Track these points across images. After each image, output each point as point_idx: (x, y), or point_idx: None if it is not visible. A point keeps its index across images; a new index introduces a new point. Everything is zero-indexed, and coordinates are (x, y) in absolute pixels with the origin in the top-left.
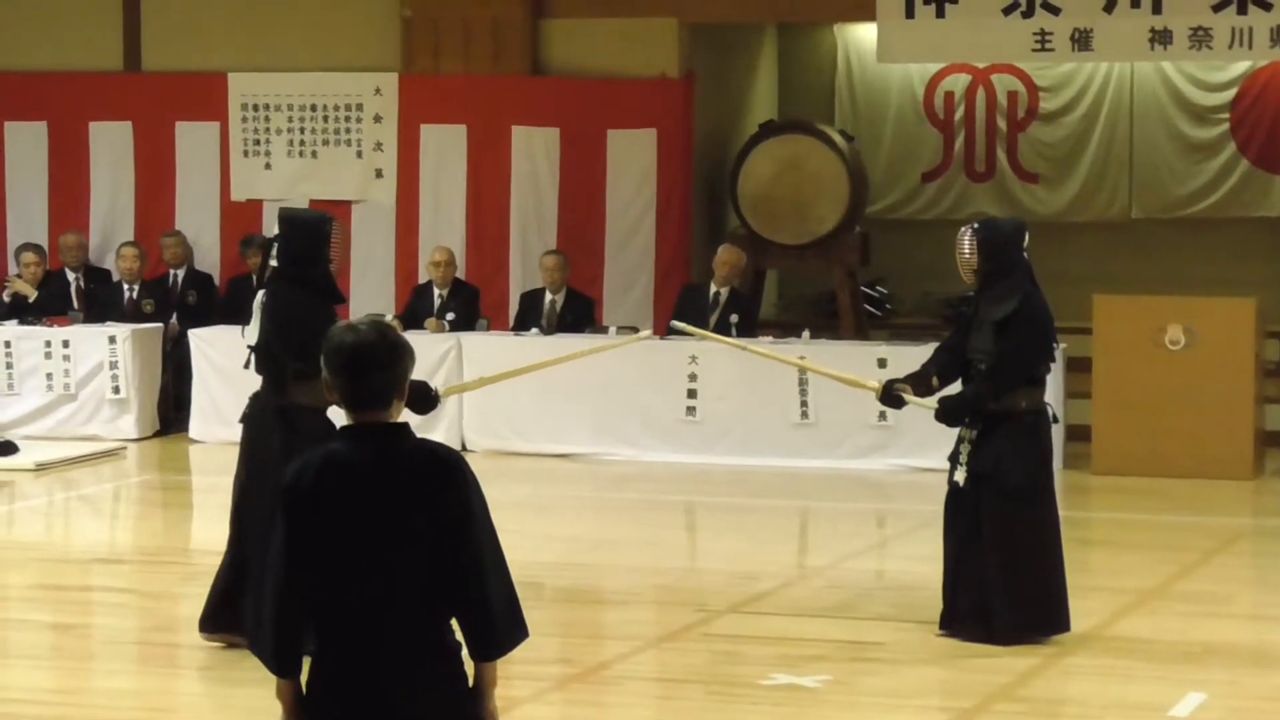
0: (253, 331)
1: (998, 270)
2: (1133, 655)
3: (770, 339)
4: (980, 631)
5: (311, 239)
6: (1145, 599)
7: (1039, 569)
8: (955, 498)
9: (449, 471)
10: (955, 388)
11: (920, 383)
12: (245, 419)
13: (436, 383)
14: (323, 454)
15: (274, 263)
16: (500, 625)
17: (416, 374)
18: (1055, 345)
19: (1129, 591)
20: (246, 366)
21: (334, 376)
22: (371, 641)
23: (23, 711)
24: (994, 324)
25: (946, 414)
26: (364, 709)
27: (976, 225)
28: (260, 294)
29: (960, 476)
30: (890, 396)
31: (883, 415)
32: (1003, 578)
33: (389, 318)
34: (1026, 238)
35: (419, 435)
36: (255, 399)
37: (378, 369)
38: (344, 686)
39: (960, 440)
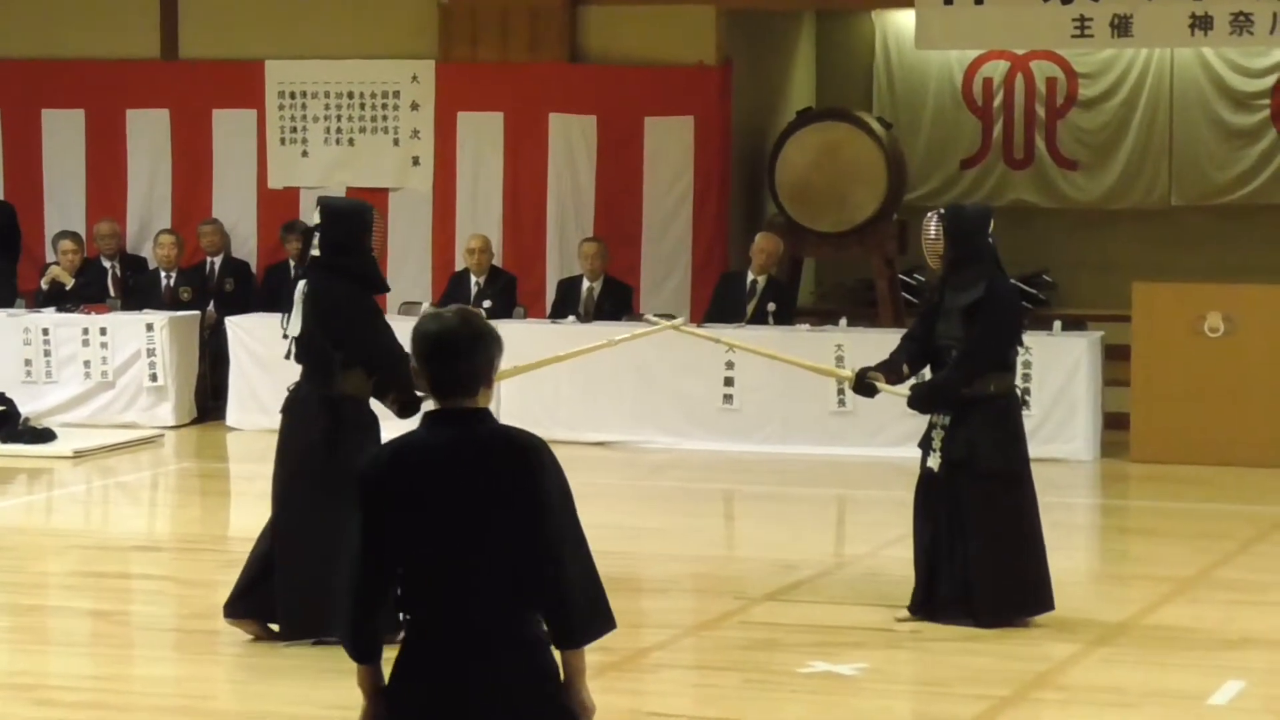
0: (294, 322)
1: (964, 256)
2: (1171, 643)
3: (807, 327)
4: (961, 614)
5: (352, 228)
6: (1184, 587)
7: (1021, 550)
8: (928, 484)
9: (527, 457)
10: (924, 375)
11: (891, 371)
12: (286, 409)
13: None
14: (401, 440)
15: (315, 252)
16: (578, 614)
17: None
18: (1024, 329)
19: (1168, 580)
20: (288, 357)
21: (420, 364)
22: (455, 629)
23: (61, 698)
24: (962, 310)
25: (918, 401)
26: (448, 698)
27: (943, 211)
28: (301, 284)
29: (934, 463)
30: (863, 385)
31: None
32: (986, 561)
33: (425, 306)
34: (992, 224)
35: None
36: (296, 389)
37: (462, 357)
38: (427, 675)
39: (932, 426)
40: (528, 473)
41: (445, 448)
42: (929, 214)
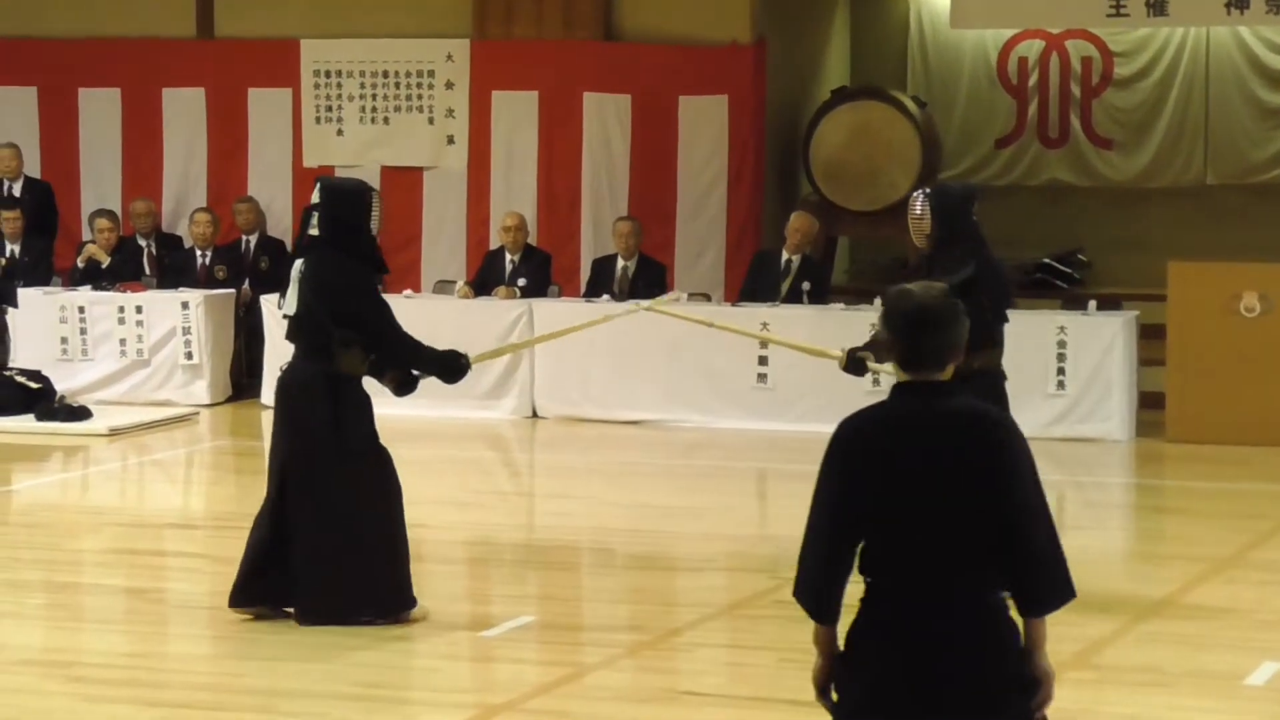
0: (291, 301)
1: (950, 235)
2: (1207, 623)
3: (842, 306)
4: None
5: (353, 208)
6: (1220, 567)
7: None
8: None
9: (995, 430)
10: None
11: (877, 349)
12: (284, 390)
13: None
14: (873, 409)
15: (314, 231)
16: (1045, 582)
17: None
18: (1013, 306)
19: (1203, 559)
20: (288, 337)
21: (895, 335)
22: (920, 594)
23: (97, 675)
24: (949, 289)
25: None
26: (910, 660)
27: (929, 190)
28: (299, 263)
29: None
30: (854, 363)
31: None
32: None
33: (460, 285)
34: (976, 203)
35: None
36: (293, 370)
37: (937, 330)
38: (889, 637)
39: None
40: (999, 444)
41: (918, 417)
42: (914, 193)
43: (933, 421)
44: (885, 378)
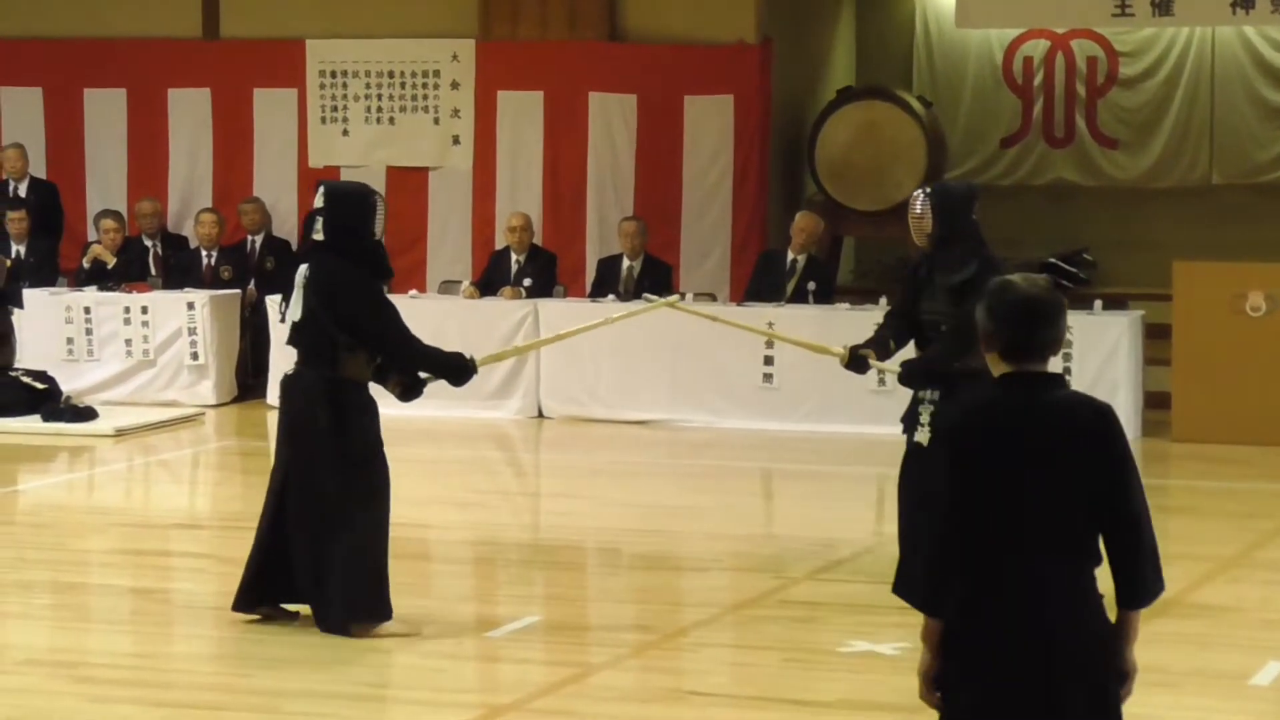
0: (294, 307)
1: (951, 234)
2: (1213, 623)
3: (847, 306)
4: None
5: (357, 211)
6: (1225, 566)
7: None
8: (916, 458)
9: (1106, 421)
10: (908, 352)
11: (880, 347)
12: (287, 394)
13: None
14: (981, 401)
15: (317, 236)
16: (1149, 575)
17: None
18: None
19: (1209, 559)
20: (290, 343)
21: (1000, 326)
22: (1027, 586)
23: (102, 675)
24: (951, 288)
25: (910, 376)
26: (1016, 652)
27: (929, 189)
28: (302, 268)
29: (923, 437)
30: (856, 361)
31: None
32: None
33: (465, 285)
34: (977, 203)
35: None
36: (296, 375)
37: (1047, 323)
38: (996, 628)
39: (919, 401)
40: (1108, 436)
41: (1028, 409)
42: (915, 192)
43: (1046, 413)
44: (890, 376)
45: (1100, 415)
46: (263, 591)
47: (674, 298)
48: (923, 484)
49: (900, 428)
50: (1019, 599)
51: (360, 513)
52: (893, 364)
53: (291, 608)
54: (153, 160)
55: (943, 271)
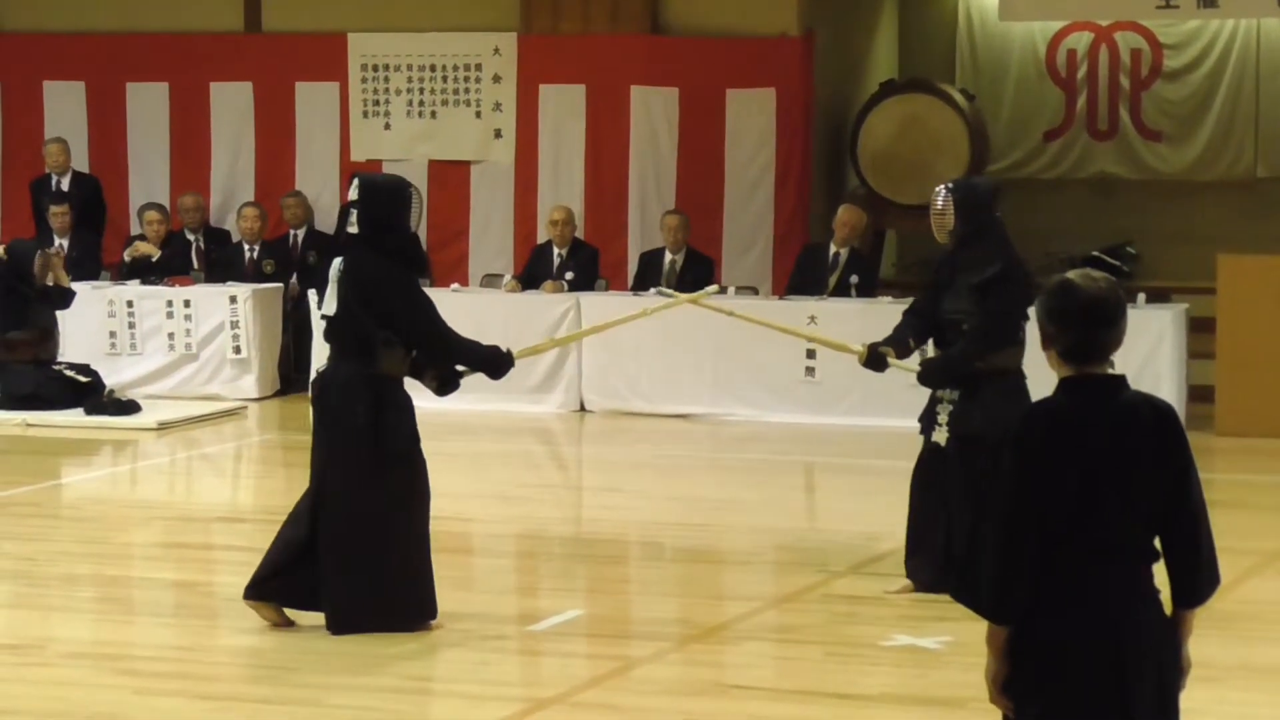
0: (330, 301)
1: (974, 232)
2: (1258, 617)
3: (890, 299)
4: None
5: (392, 205)
6: (1271, 560)
7: None
8: (933, 458)
9: (1170, 423)
10: (925, 350)
11: (899, 346)
12: (323, 391)
13: None
14: (1047, 404)
15: (352, 229)
16: (1206, 575)
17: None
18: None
19: (1254, 553)
20: (326, 338)
21: (1062, 329)
22: (1092, 587)
23: (146, 668)
24: (974, 286)
25: (930, 375)
26: (1090, 656)
27: (952, 185)
28: (337, 262)
29: (941, 437)
30: (874, 359)
31: None
32: None
33: (507, 279)
34: (999, 200)
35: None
36: (333, 370)
37: (1110, 324)
38: (1067, 634)
39: (938, 401)
40: (1173, 437)
41: (1094, 414)
42: (938, 188)
43: (1111, 417)
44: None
45: (1164, 417)
46: (277, 587)
47: (710, 289)
48: (937, 485)
49: (919, 427)
50: (1088, 602)
51: (399, 512)
52: (911, 362)
53: (292, 614)
54: (195, 154)
55: (965, 270)
